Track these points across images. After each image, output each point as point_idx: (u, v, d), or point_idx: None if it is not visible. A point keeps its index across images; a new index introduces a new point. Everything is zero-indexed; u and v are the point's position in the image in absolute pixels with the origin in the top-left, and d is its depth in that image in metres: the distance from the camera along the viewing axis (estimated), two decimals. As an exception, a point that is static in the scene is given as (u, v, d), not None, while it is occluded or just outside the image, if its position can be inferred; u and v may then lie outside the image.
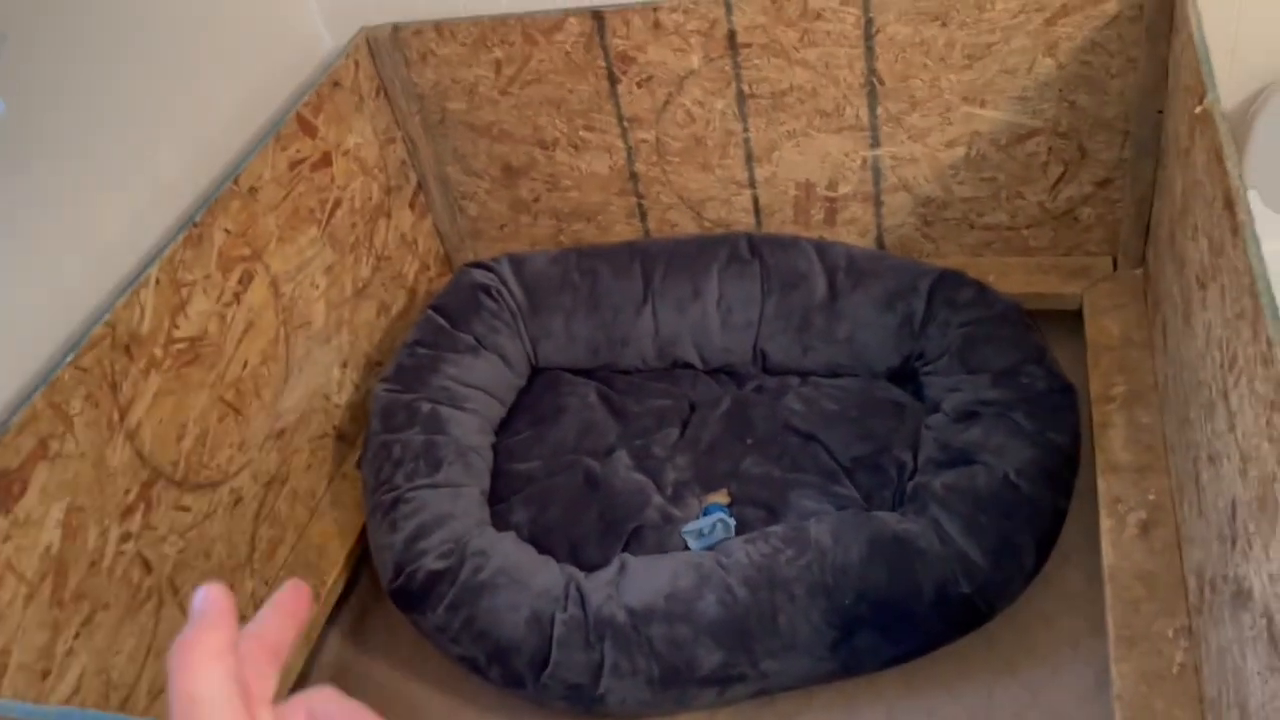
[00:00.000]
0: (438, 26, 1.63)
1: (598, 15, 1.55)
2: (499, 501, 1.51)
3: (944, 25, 1.44)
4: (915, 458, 1.42)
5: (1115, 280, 1.57)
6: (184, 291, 1.30)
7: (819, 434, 1.50)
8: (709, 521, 1.41)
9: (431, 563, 1.35)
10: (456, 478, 1.46)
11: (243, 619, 0.41)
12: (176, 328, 1.29)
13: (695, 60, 1.56)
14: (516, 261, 1.70)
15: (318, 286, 1.56)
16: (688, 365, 1.67)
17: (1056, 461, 1.32)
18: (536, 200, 1.81)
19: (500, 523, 1.46)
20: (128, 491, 1.22)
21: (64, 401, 1.14)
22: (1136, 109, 1.43)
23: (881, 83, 1.52)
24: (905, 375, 1.56)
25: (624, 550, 1.40)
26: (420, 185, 1.82)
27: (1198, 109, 1.09)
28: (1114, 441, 1.32)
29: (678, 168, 1.70)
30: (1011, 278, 1.62)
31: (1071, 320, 1.57)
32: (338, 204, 1.60)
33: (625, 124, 1.67)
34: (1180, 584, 1.15)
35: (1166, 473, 1.27)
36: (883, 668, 1.28)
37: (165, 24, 1.37)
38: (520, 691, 1.30)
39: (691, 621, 1.25)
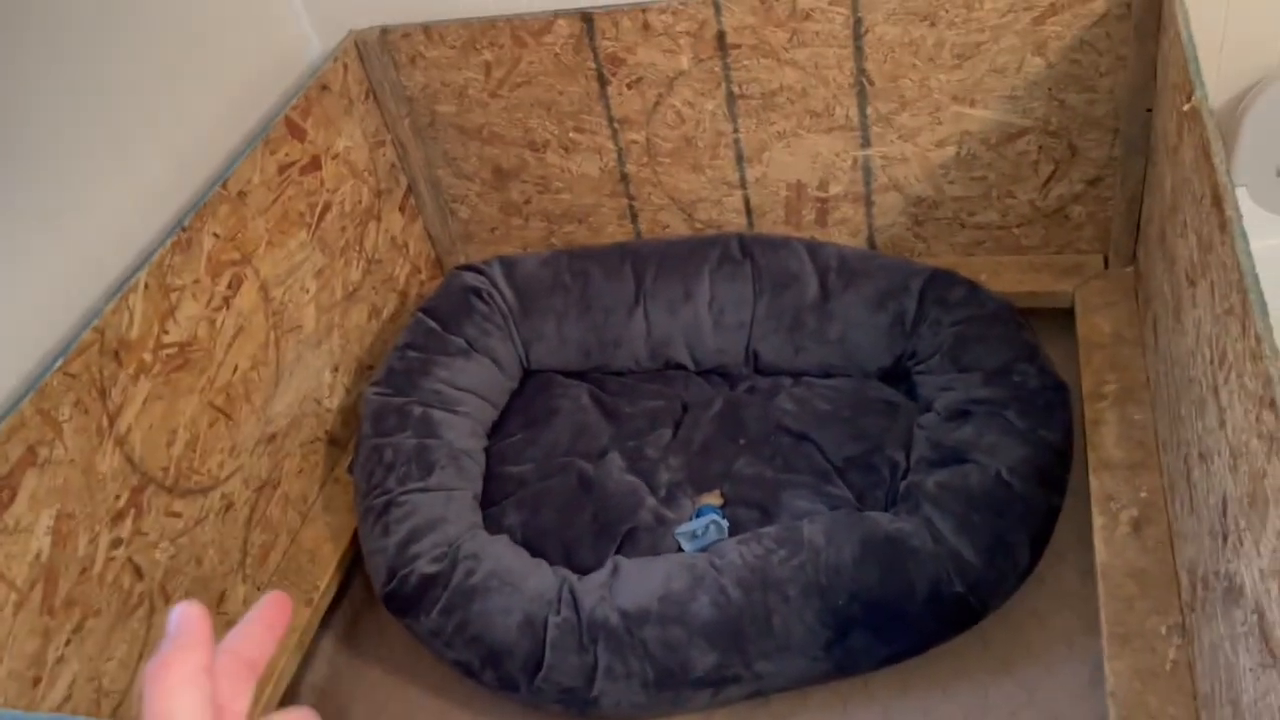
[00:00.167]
0: (426, 29, 1.63)
1: (587, 17, 1.55)
2: (491, 505, 1.51)
3: (933, 25, 1.44)
4: (908, 457, 1.42)
5: (1106, 278, 1.57)
6: (173, 296, 1.30)
7: (811, 434, 1.50)
8: (702, 523, 1.41)
9: (424, 567, 1.35)
10: (449, 481, 1.46)
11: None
12: (166, 333, 1.29)
13: (685, 61, 1.56)
14: (507, 264, 1.70)
15: (308, 290, 1.55)
16: (680, 366, 1.66)
17: (1049, 459, 1.32)
18: (527, 202, 1.81)
19: (493, 526, 1.46)
20: (118, 498, 1.22)
21: (53, 408, 1.13)
22: (1126, 107, 1.44)
23: (871, 83, 1.52)
24: (897, 375, 1.56)
25: (617, 552, 1.40)
26: (410, 188, 1.81)
27: (1186, 106, 1.09)
28: (1106, 439, 1.32)
29: (668, 169, 1.69)
30: (1003, 276, 1.62)
31: (1063, 318, 1.57)
32: (327, 208, 1.60)
33: (615, 125, 1.66)
34: (1173, 581, 1.16)
35: (1158, 470, 1.27)
36: (877, 667, 1.28)
37: (152, 28, 1.36)
38: (514, 695, 1.30)
39: (685, 623, 1.24)
